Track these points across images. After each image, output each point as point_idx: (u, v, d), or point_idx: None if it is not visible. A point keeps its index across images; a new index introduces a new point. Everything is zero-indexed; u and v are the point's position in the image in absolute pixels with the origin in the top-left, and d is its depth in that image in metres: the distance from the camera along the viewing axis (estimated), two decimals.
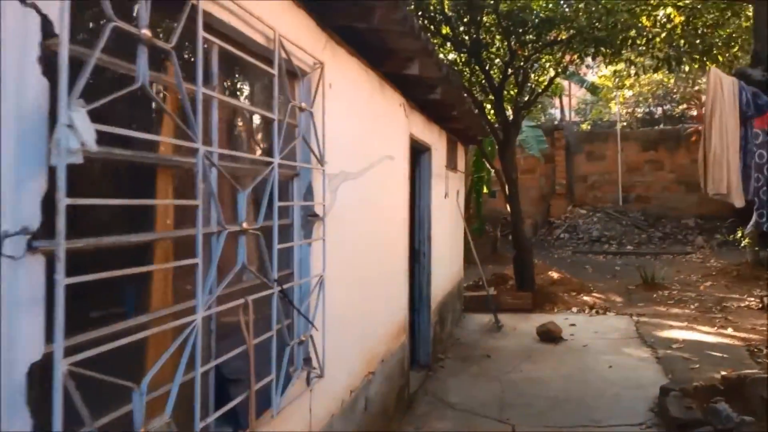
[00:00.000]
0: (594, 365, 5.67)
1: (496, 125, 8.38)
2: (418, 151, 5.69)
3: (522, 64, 7.71)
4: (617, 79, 11.48)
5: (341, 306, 2.96)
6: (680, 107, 17.90)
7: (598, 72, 13.70)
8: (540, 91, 8.41)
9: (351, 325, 3.23)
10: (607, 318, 7.62)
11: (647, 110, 19.09)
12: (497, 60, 8.05)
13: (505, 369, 5.66)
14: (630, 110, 18.59)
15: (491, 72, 8.07)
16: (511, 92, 8.31)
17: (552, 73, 8.29)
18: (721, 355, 5.73)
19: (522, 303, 8.20)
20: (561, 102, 18.06)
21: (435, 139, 5.98)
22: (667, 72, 7.63)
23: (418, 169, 5.79)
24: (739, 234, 9.97)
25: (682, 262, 11.49)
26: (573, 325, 7.23)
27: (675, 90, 17.37)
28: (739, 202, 3.83)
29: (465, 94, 5.75)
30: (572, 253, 13.04)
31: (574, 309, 8.11)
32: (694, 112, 15.79)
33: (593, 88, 13.76)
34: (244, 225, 1.88)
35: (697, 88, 15.08)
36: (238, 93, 2.50)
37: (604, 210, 14.43)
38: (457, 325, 7.48)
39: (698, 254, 12.11)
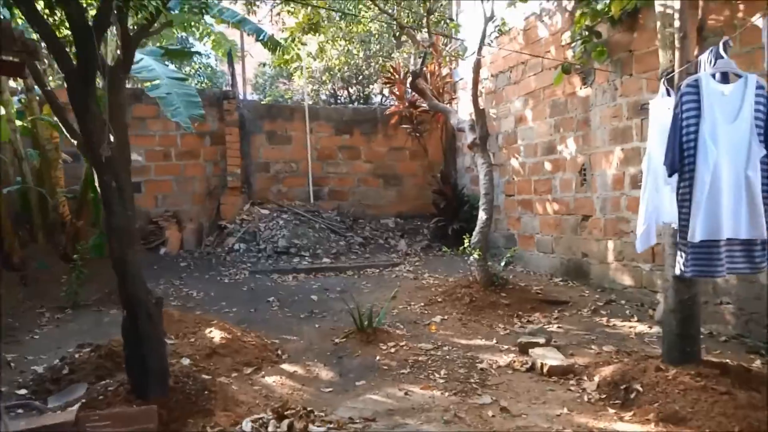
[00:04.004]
0: None
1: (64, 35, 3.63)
2: None
3: None
4: (311, 19, 7.98)
5: None
6: (370, 87, 15.77)
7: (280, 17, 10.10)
8: None
9: None
10: None
11: (332, 92, 16.47)
12: None
13: None
14: (315, 87, 15.66)
15: None
16: None
17: None
18: None
19: (138, 431, 3.76)
20: (233, 71, 13.66)
21: None
22: None
23: None
24: (466, 243, 7.51)
25: (393, 279, 8.71)
26: None
27: (365, 68, 15.09)
28: None
29: None
30: (251, 274, 9.09)
31: (249, 421, 4.06)
32: (386, 92, 13.70)
33: (273, 44, 10.02)
34: None
35: (391, 63, 12.85)
36: None
37: (292, 210, 10.94)
38: None
39: (407, 266, 9.58)
